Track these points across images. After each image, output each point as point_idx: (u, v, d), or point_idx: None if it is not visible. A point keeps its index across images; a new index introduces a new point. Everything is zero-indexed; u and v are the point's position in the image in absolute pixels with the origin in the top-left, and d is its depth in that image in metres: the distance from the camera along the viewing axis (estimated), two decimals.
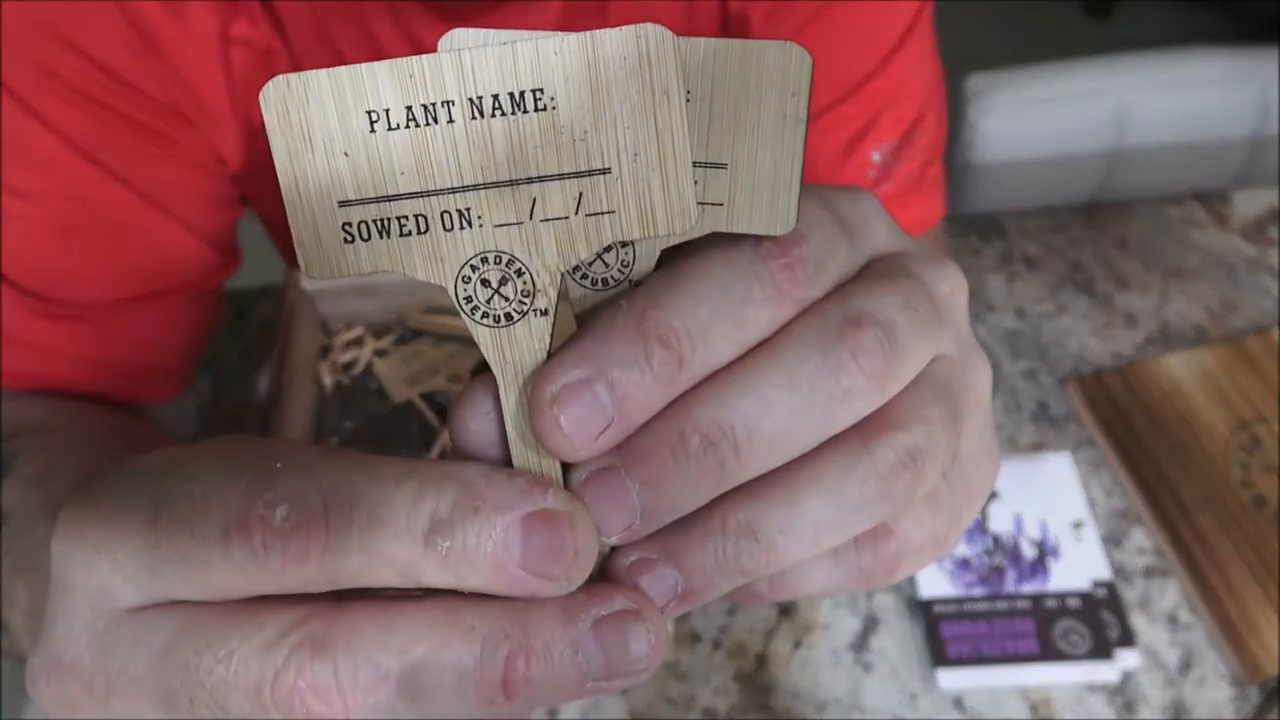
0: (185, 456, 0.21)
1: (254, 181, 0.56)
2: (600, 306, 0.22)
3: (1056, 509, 0.63)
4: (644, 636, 0.20)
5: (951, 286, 0.24)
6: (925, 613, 0.59)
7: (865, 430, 0.22)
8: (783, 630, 0.60)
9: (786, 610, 0.60)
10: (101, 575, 0.20)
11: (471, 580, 0.19)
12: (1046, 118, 0.94)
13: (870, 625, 0.60)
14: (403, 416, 0.60)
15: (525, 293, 0.21)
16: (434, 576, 0.19)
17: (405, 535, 0.19)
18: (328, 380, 0.62)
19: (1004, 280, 0.75)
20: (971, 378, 0.25)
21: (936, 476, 0.22)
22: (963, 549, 0.61)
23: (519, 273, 0.21)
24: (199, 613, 0.20)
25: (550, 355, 0.21)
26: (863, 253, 0.23)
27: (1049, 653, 0.57)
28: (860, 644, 0.59)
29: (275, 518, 0.19)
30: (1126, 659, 0.57)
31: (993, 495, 0.63)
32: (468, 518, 0.19)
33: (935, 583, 0.60)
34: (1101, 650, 0.57)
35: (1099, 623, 0.58)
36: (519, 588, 0.20)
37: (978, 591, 0.59)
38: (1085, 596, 0.59)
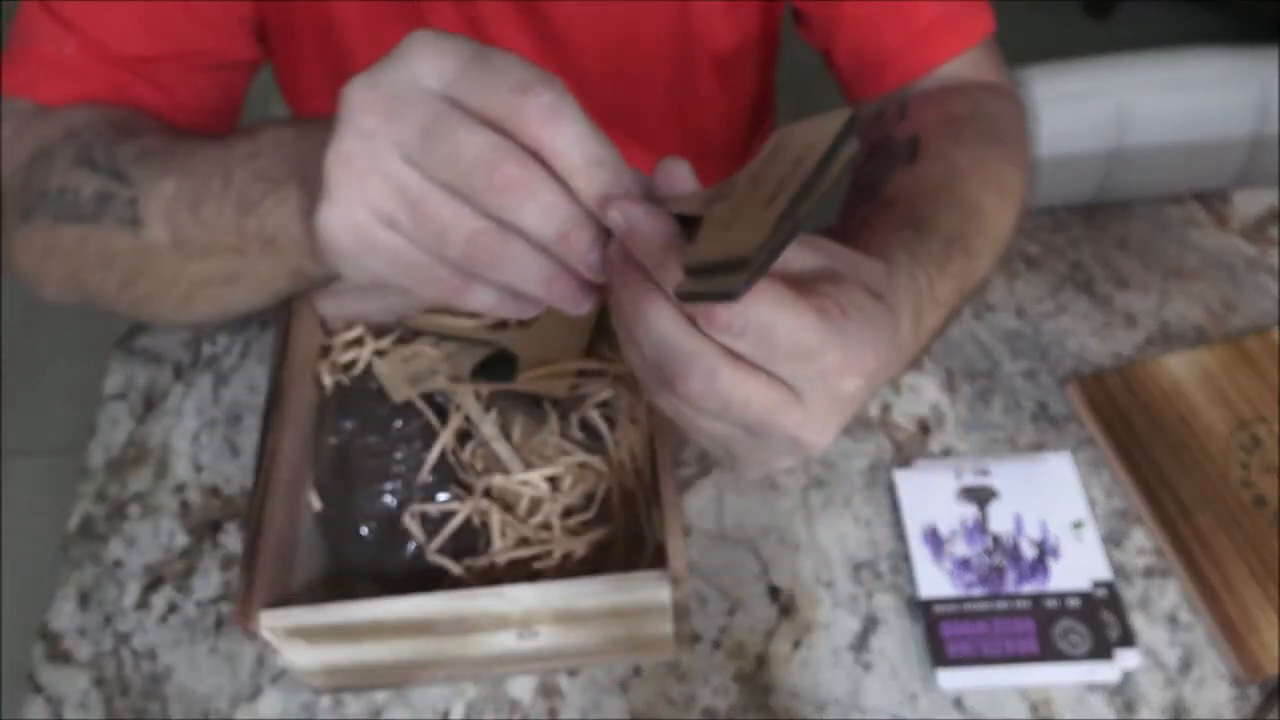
0: None
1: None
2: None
3: (1056, 509, 0.63)
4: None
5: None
6: (925, 613, 0.59)
7: None
8: (783, 630, 0.60)
9: (786, 610, 0.60)
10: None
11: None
12: (1046, 117, 0.94)
13: (870, 625, 0.60)
14: (403, 416, 0.60)
15: None
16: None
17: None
18: (327, 380, 0.62)
19: (1004, 280, 0.75)
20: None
21: None
22: (963, 549, 0.61)
23: None
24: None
25: None
26: None
27: (1049, 653, 0.57)
28: (860, 644, 0.59)
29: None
30: (1126, 659, 0.57)
31: (993, 495, 0.63)
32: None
33: (935, 583, 0.60)
34: (1101, 650, 0.57)
35: (1099, 623, 0.58)
36: None
37: (978, 591, 0.59)
38: (1085, 596, 0.59)
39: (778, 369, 0.34)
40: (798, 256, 0.36)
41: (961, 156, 0.56)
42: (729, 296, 0.29)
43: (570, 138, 0.32)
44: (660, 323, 0.33)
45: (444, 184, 0.32)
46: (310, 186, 0.37)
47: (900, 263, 0.47)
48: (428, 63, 0.32)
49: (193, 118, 0.59)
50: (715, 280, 0.30)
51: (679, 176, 0.35)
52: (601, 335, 0.64)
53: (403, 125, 0.32)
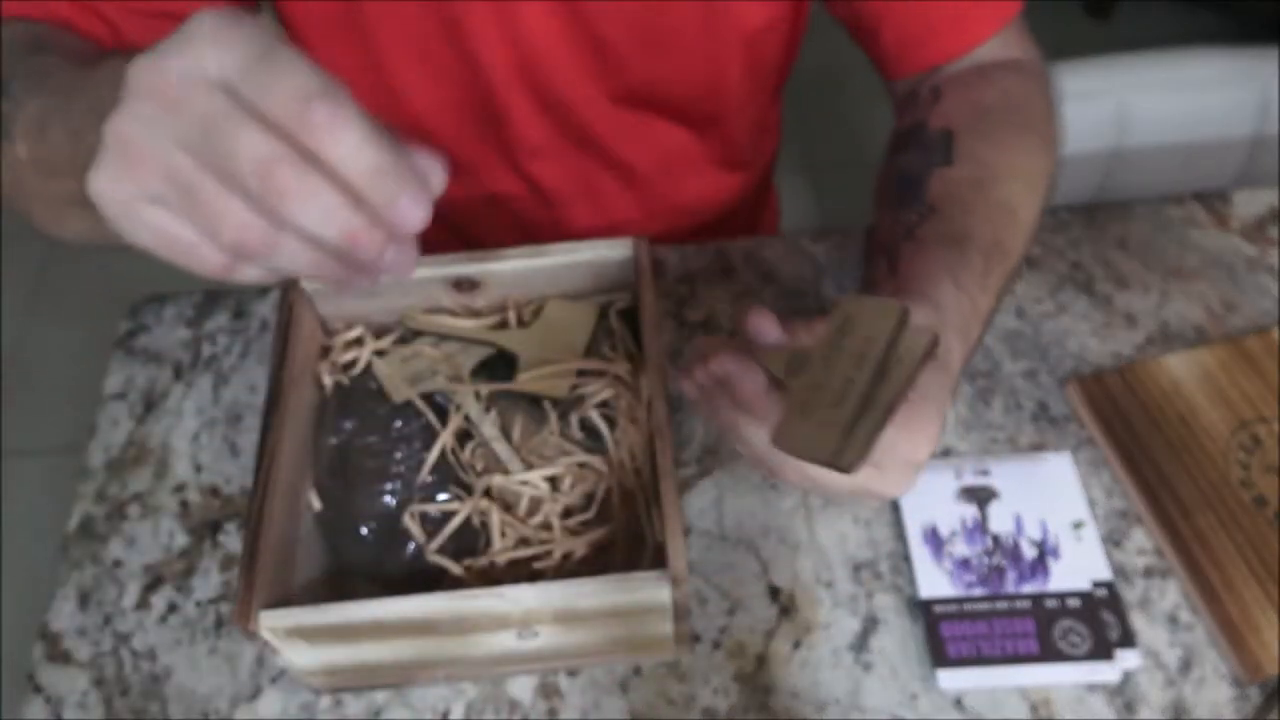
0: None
1: None
2: None
3: (1056, 509, 0.63)
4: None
5: None
6: (925, 613, 0.59)
7: None
8: (783, 630, 0.60)
9: (786, 610, 0.60)
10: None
11: None
12: None
13: (870, 625, 0.60)
14: (403, 416, 0.60)
15: None
16: None
17: None
18: (327, 380, 0.62)
19: None
20: None
21: None
22: (963, 549, 0.61)
23: None
24: None
25: None
26: None
27: (1049, 653, 0.57)
28: (860, 644, 0.59)
29: None
30: (1127, 659, 0.57)
31: (993, 495, 0.63)
32: None
33: (935, 583, 0.60)
34: (1102, 650, 0.57)
35: (1099, 623, 0.58)
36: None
37: (978, 591, 0.59)
38: (1085, 596, 0.59)
39: None
40: None
41: (992, 153, 0.60)
42: (840, 470, 0.40)
43: (350, 147, 0.32)
44: (756, 443, 0.45)
45: (219, 176, 0.32)
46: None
47: (946, 292, 0.51)
48: (212, 53, 0.32)
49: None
50: (816, 445, 0.41)
51: (766, 329, 0.45)
52: (601, 335, 0.64)
53: (182, 117, 0.32)
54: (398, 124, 0.80)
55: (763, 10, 0.70)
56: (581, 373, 0.61)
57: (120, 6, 0.59)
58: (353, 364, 0.62)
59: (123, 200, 0.33)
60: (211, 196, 0.32)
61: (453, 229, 0.83)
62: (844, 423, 0.40)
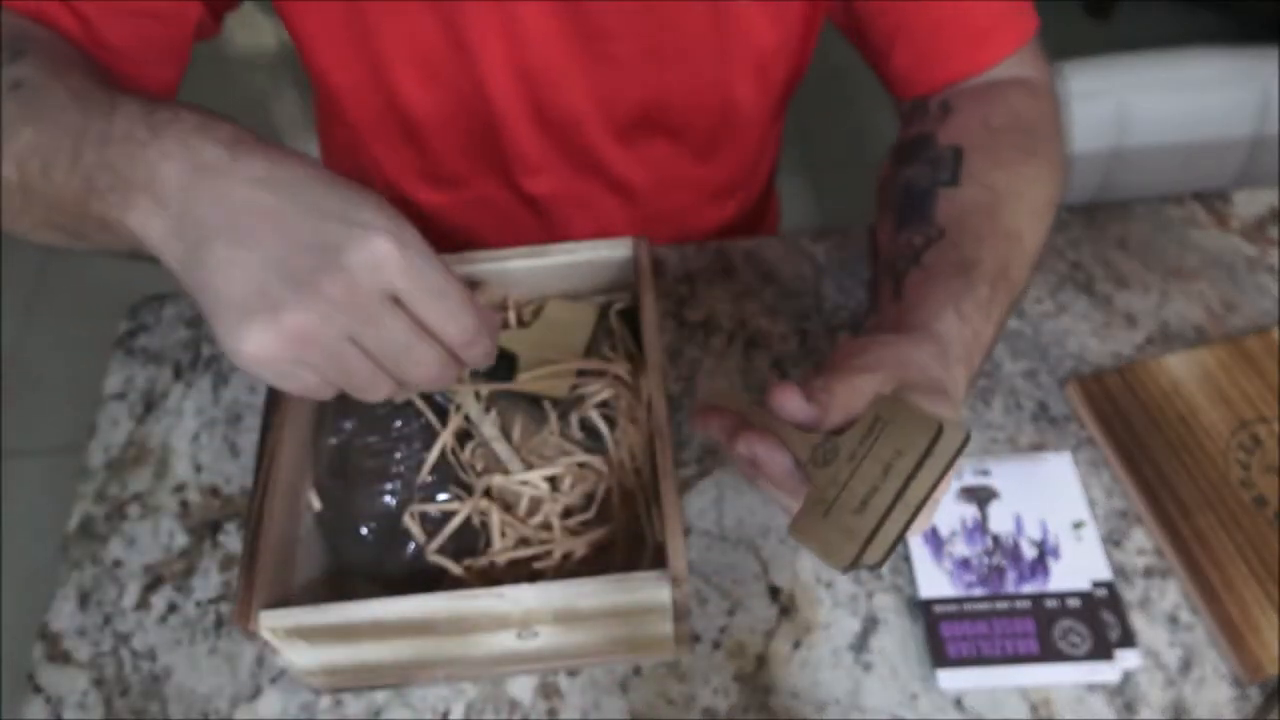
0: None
1: None
2: None
3: (1056, 509, 0.63)
4: None
5: None
6: (925, 613, 0.59)
7: None
8: (783, 630, 0.60)
9: (786, 610, 0.60)
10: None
11: None
12: None
13: (870, 625, 0.60)
14: (403, 416, 0.60)
15: None
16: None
17: None
18: None
19: None
20: None
21: None
22: (963, 549, 0.61)
23: None
24: None
25: None
26: None
27: (1049, 653, 0.57)
28: (860, 644, 0.59)
29: None
30: (1127, 659, 0.57)
31: (993, 495, 0.63)
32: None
33: (935, 583, 0.60)
34: (1102, 650, 0.57)
35: (1099, 623, 0.58)
36: None
37: (978, 592, 0.59)
38: (1085, 596, 0.59)
39: None
40: (875, 384, 0.45)
41: (1001, 178, 0.60)
42: (871, 569, 0.42)
43: (455, 328, 0.43)
44: (786, 505, 0.47)
45: (363, 350, 0.42)
46: (161, 200, 0.41)
47: (950, 323, 0.52)
48: (396, 280, 0.41)
49: (114, 60, 0.59)
50: (833, 549, 0.42)
51: (794, 408, 0.45)
52: (601, 335, 0.64)
53: (355, 315, 0.41)
54: (400, 132, 0.80)
55: (774, 31, 0.69)
56: (581, 373, 0.61)
57: (99, 6, 0.58)
58: None
59: (273, 362, 0.41)
60: (366, 378, 0.43)
61: (444, 234, 0.83)
62: (864, 534, 0.40)
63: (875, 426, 0.43)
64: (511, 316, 0.65)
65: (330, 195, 0.41)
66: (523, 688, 0.58)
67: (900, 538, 0.41)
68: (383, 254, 0.40)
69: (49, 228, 0.48)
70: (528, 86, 0.69)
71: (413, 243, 0.41)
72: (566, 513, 0.58)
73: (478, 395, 0.61)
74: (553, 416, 0.60)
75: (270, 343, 0.40)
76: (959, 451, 0.41)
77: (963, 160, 0.61)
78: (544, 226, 0.81)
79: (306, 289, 0.40)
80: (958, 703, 0.57)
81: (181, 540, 0.65)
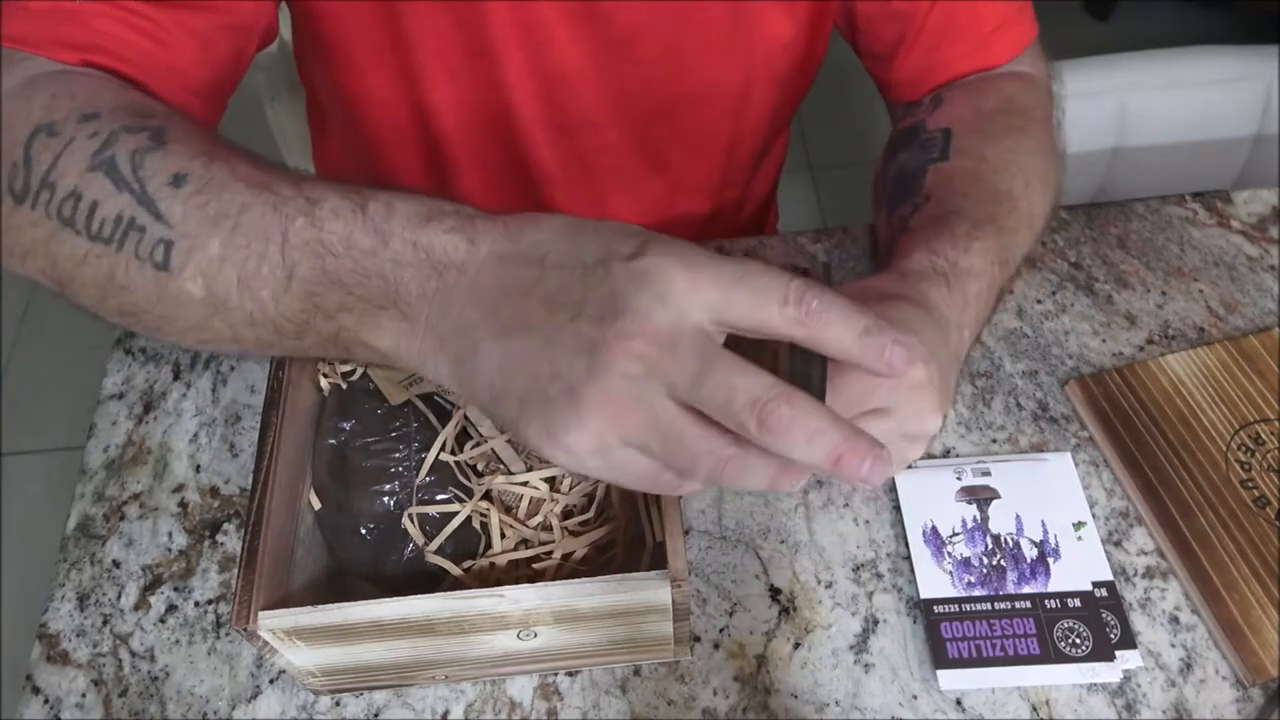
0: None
1: None
2: None
3: (1057, 509, 0.62)
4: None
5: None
6: (925, 613, 0.59)
7: None
8: (783, 631, 0.59)
9: (786, 610, 0.60)
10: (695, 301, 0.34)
11: None
12: None
13: (870, 626, 0.59)
14: (402, 417, 0.60)
15: None
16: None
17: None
18: (325, 381, 0.62)
19: None
20: None
21: None
22: (963, 549, 0.61)
23: None
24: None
25: None
26: None
27: (1050, 654, 0.57)
28: (860, 645, 0.59)
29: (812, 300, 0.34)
30: (1128, 660, 0.57)
31: (993, 495, 0.63)
32: None
33: (935, 583, 0.60)
34: (1102, 651, 0.57)
35: (1100, 623, 0.58)
36: None
37: (978, 592, 0.59)
38: (1086, 597, 0.59)
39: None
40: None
41: (990, 150, 0.60)
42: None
43: (840, 325, 0.35)
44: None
45: (698, 418, 0.34)
46: (410, 316, 0.37)
47: (916, 257, 0.52)
48: (689, 298, 0.34)
49: (180, 88, 0.54)
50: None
51: None
52: None
53: (672, 367, 0.33)
54: (421, 140, 0.79)
55: (789, 35, 0.69)
56: None
57: (179, 14, 0.53)
58: (351, 373, 0.62)
59: (597, 449, 0.35)
60: (694, 440, 0.34)
61: None
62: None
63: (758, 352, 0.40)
64: None
65: (583, 239, 0.36)
66: (522, 688, 0.58)
67: (821, 379, 0.39)
68: (667, 277, 0.34)
69: (234, 343, 0.43)
70: (547, 90, 0.69)
71: (689, 251, 0.35)
72: (566, 513, 0.58)
73: None
74: None
75: (585, 429, 0.34)
76: (825, 279, 0.39)
77: (952, 138, 0.61)
78: None
79: (598, 352, 0.34)
80: (958, 703, 0.56)
81: (180, 541, 0.65)
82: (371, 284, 0.37)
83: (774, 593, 0.61)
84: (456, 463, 0.59)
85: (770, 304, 0.34)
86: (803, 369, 0.39)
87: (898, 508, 0.63)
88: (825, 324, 0.34)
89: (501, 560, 0.57)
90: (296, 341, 0.41)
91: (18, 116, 0.46)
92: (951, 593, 0.59)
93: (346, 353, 0.40)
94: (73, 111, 0.46)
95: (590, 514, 0.58)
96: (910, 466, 0.65)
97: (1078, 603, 0.58)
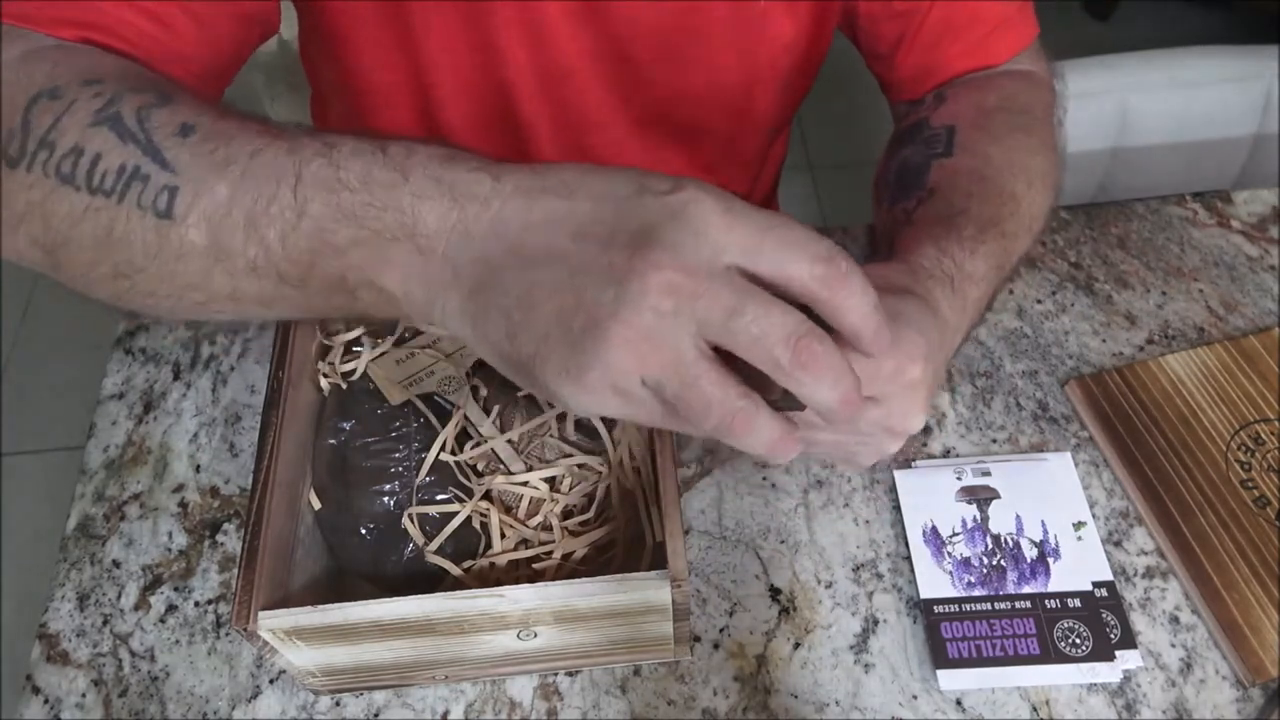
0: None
1: None
2: None
3: (1057, 509, 0.62)
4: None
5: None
6: (925, 613, 0.59)
7: None
8: (783, 631, 0.59)
9: (786, 610, 0.60)
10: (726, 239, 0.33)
11: None
12: None
13: (870, 626, 0.59)
14: (402, 417, 0.60)
15: None
16: None
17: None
18: (325, 381, 0.62)
19: None
20: None
21: None
22: (963, 549, 0.61)
23: None
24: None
25: None
26: None
27: (1050, 654, 0.57)
28: (860, 645, 0.59)
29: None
30: (1128, 660, 0.57)
31: (993, 495, 0.63)
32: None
33: (935, 583, 0.60)
34: (1102, 651, 0.57)
35: (1100, 623, 0.58)
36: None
37: (978, 592, 0.59)
38: (1086, 597, 0.59)
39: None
40: None
41: (993, 149, 0.60)
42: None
43: (861, 294, 0.35)
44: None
45: (717, 363, 0.34)
46: (426, 249, 0.35)
47: (927, 254, 0.52)
48: (725, 237, 0.33)
49: (182, 71, 0.52)
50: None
51: None
52: None
53: (705, 302, 0.33)
54: (432, 133, 0.78)
55: (791, 35, 0.69)
56: None
57: (212, 7, 0.53)
58: (351, 373, 0.62)
59: (617, 388, 0.33)
60: (709, 386, 0.33)
61: None
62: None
63: None
64: None
65: (617, 178, 0.35)
66: (522, 688, 0.58)
67: None
68: (703, 214, 0.33)
69: (231, 301, 0.40)
70: (549, 88, 0.69)
71: (727, 195, 0.34)
72: (566, 513, 0.58)
73: (477, 395, 0.61)
74: (552, 417, 0.60)
75: (608, 366, 0.33)
76: None
77: (956, 135, 0.62)
78: None
79: (628, 282, 0.32)
80: (958, 703, 0.56)
81: (180, 540, 0.65)
82: (388, 216, 0.35)
83: (774, 593, 0.61)
84: (456, 463, 0.59)
85: (801, 259, 0.34)
86: None
87: (898, 508, 0.63)
88: (850, 290, 0.34)
89: (501, 560, 0.57)
90: (298, 291, 0.39)
91: (17, 85, 0.45)
92: (951, 593, 0.59)
93: (351, 300, 0.38)
94: (76, 77, 0.44)
95: (590, 514, 0.58)
96: (911, 466, 0.65)
97: (1078, 603, 0.58)
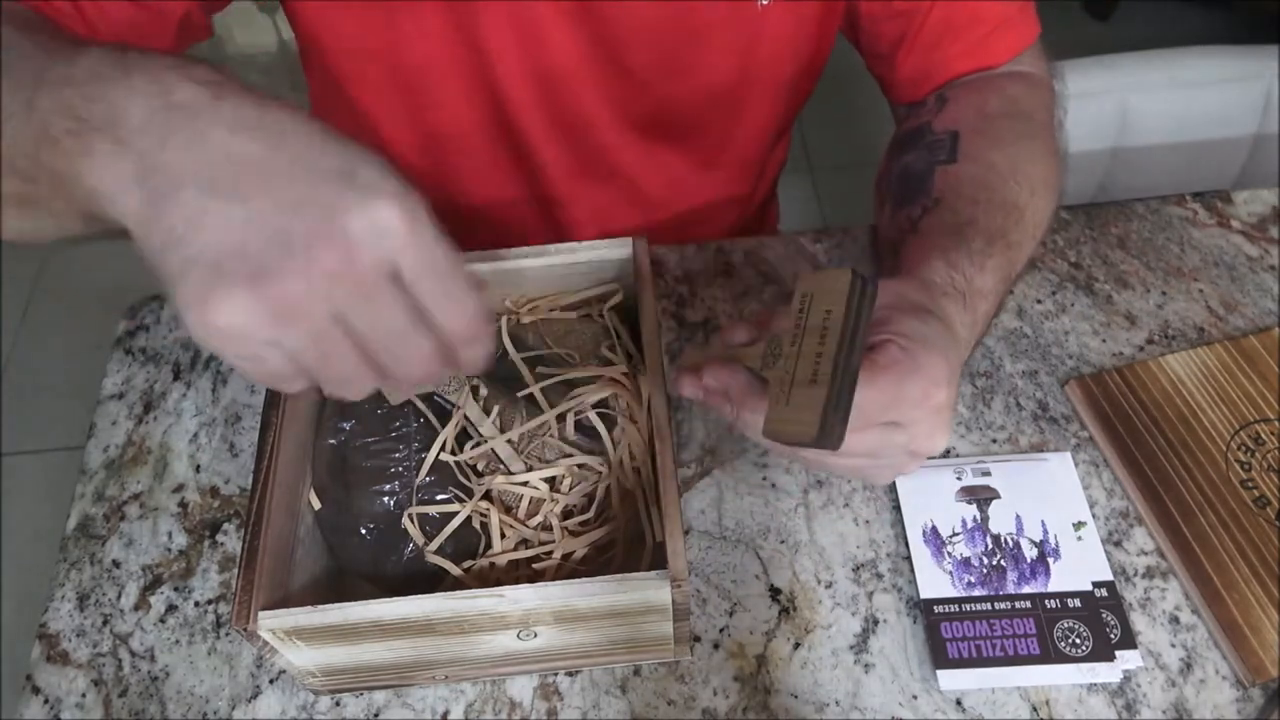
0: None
1: None
2: None
3: (1057, 509, 0.62)
4: None
5: None
6: (925, 613, 0.59)
7: None
8: (783, 631, 0.59)
9: (786, 610, 0.60)
10: None
11: None
12: None
13: (870, 626, 0.59)
14: (402, 417, 0.60)
15: None
16: None
17: None
18: None
19: None
20: None
21: None
22: (963, 549, 0.61)
23: None
24: None
25: None
26: None
27: (1050, 654, 0.57)
28: (860, 645, 0.59)
29: None
30: (1128, 660, 0.57)
31: (994, 495, 0.63)
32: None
33: (935, 583, 0.60)
34: (1102, 651, 0.57)
35: (1100, 623, 0.58)
36: None
37: (978, 592, 0.59)
38: (1086, 597, 0.59)
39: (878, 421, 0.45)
40: None
41: (997, 155, 0.61)
42: (829, 446, 0.41)
43: (461, 316, 0.38)
44: (756, 436, 0.45)
45: (352, 334, 0.36)
46: (122, 141, 0.35)
47: (937, 269, 0.52)
48: (405, 255, 0.35)
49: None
50: (799, 425, 0.41)
51: (737, 333, 0.49)
52: (601, 335, 0.64)
53: (351, 285, 0.34)
54: (428, 136, 0.78)
55: (790, 40, 0.69)
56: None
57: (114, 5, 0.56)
58: None
59: (244, 339, 0.34)
60: (348, 368, 0.37)
61: (455, 237, 0.83)
62: (822, 400, 0.40)
63: (804, 303, 0.43)
64: (512, 316, 0.65)
65: (329, 151, 0.35)
66: (522, 688, 0.58)
67: (854, 385, 0.41)
68: (389, 222, 0.34)
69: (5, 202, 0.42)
70: (543, 90, 0.69)
71: (421, 215, 0.36)
72: (566, 513, 0.58)
73: (477, 395, 0.61)
74: (552, 417, 0.60)
75: (245, 314, 0.33)
76: (854, 290, 0.41)
77: (959, 141, 0.62)
78: (555, 232, 0.81)
79: (297, 254, 0.33)
80: (958, 703, 0.56)
81: (180, 540, 0.65)
82: (97, 108, 0.35)
83: (774, 593, 0.61)
84: (456, 463, 0.59)
85: (456, 316, 0.37)
86: (845, 362, 0.41)
87: (898, 508, 0.63)
88: (473, 352, 0.39)
89: (501, 560, 0.57)
90: (34, 188, 0.39)
91: None
92: (951, 593, 0.59)
93: (68, 196, 0.38)
94: None
95: (590, 514, 0.58)
96: None
97: (1078, 603, 0.58)
